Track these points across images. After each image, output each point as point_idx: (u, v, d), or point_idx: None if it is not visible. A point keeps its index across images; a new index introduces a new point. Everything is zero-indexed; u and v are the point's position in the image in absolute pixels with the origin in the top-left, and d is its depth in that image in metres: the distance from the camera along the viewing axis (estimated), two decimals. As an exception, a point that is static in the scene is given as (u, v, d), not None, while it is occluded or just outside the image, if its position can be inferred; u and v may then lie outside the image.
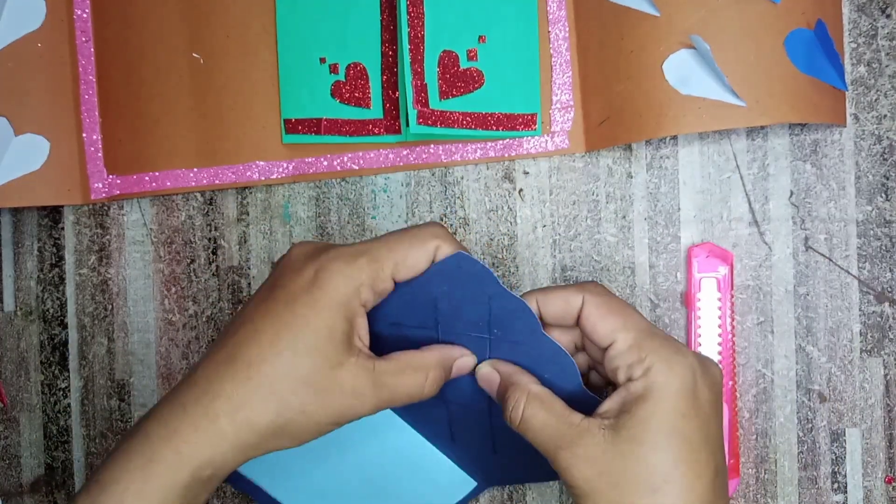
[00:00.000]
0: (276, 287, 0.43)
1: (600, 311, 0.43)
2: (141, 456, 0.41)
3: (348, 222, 0.57)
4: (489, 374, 0.46)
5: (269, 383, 0.41)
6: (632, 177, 0.55)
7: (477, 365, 0.46)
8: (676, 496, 0.39)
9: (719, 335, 0.53)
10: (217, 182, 0.57)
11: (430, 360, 0.44)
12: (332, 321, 0.41)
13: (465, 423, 0.51)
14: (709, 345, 0.53)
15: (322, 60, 0.56)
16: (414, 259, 0.43)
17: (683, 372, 0.40)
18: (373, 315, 0.45)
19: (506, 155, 0.55)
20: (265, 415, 0.41)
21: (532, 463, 0.47)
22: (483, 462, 0.53)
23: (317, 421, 0.41)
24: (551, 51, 0.54)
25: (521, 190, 0.56)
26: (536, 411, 0.42)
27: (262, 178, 0.57)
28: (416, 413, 0.52)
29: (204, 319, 0.58)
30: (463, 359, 0.46)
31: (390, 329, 0.46)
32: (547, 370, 0.45)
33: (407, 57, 0.53)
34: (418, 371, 0.44)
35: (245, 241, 0.58)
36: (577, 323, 0.44)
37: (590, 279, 0.55)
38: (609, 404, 0.42)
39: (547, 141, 0.55)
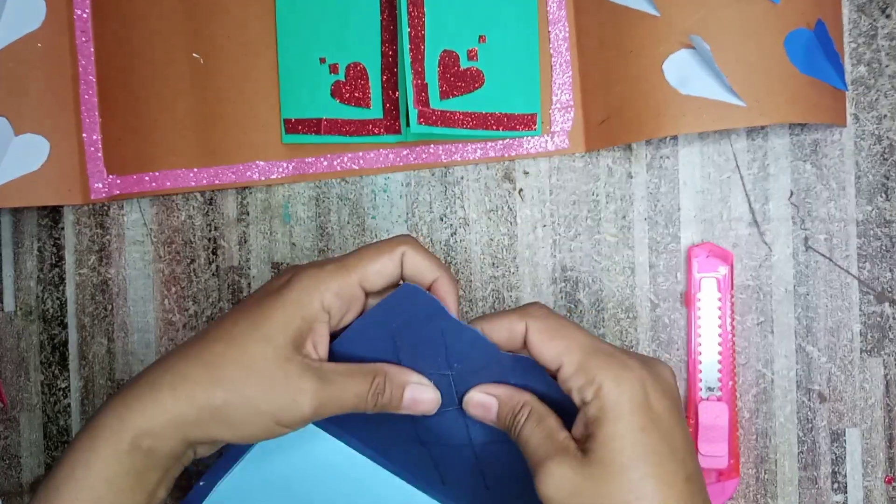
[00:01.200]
0: (257, 290, 0.45)
1: (543, 337, 0.42)
2: (92, 425, 0.42)
3: (348, 222, 0.57)
4: (484, 399, 0.45)
5: (216, 363, 0.42)
6: (632, 177, 0.55)
7: (448, 400, 0.46)
8: None
9: (719, 335, 0.53)
10: (217, 182, 0.57)
11: (380, 368, 0.45)
12: (291, 318, 0.42)
13: (451, 463, 0.49)
14: (708, 344, 0.53)
15: (322, 60, 0.56)
16: (381, 265, 0.44)
17: (632, 387, 0.40)
18: (336, 351, 0.45)
19: (506, 155, 0.55)
20: (205, 391, 0.41)
21: (527, 491, 0.46)
22: (479, 499, 0.52)
23: (257, 410, 0.42)
24: (551, 51, 0.54)
25: (521, 190, 0.56)
26: (532, 427, 0.43)
27: (262, 178, 0.57)
28: (402, 462, 0.50)
29: (204, 319, 0.58)
30: (420, 388, 0.45)
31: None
32: (519, 383, 0.45)
33: (407, 57, 0.53)
34: (366, 375, 0.44)
35: (245, 241, 0.58)
36: (525, 346, 0.44)
37: (588, 278, 0.55)
38: (576, 427, 0.42)
39: (547, 141, 0.55)
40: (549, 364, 0.42)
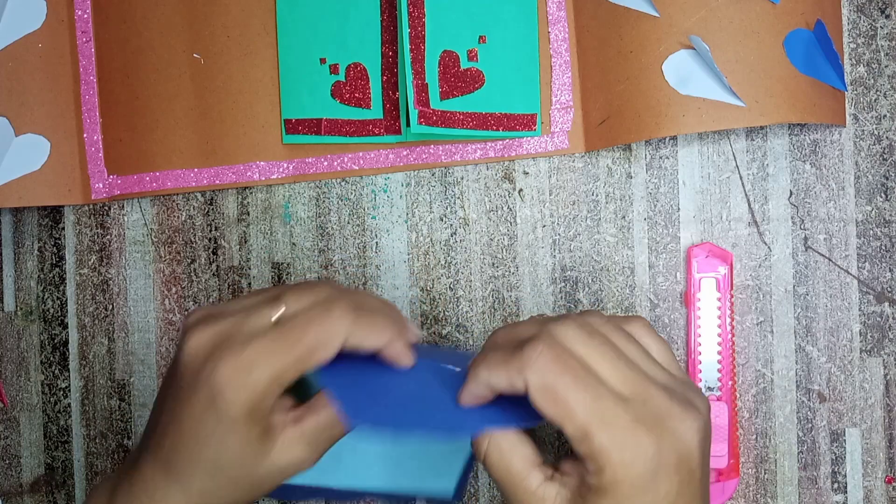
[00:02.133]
0: (182, 398, 0.40)
1: (543, 398, 0.38)
2: None
3: (348, 222, 0.57)
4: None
5: (199, 489, 0.41)
6: (631, 177, 0.55)
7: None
8: None
9: (719, 335, 0.53)
10: (217, 182, 0.57)
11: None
12: (244, 433, 0.39)
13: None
14: (708, 344, 0.53)
15: (322, 61, 0.56)
16: (327, 337, 0.39)
17: (642, 462, 0.37)
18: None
19: (506, 155, 0.55)
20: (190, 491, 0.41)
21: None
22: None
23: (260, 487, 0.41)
24: (551, 51, 0.54)
25: (520, 190, 0.56)
26: (497, 458, 0.40)
27: (263, 178, 0.57)
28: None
29: (204, 319, 0.58)
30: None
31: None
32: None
33: (408, 57, 0.53)
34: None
35: (245, 241, 0.58)
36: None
37: (588, 278, 0.55)
38: (567, 485, 0.39)
39: (547, 141, 0.55)
40: (551, 422, 0.39)
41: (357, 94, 0.55)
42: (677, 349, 0.54)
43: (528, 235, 0.56)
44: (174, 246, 0.59)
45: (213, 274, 0.58)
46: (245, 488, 0.41)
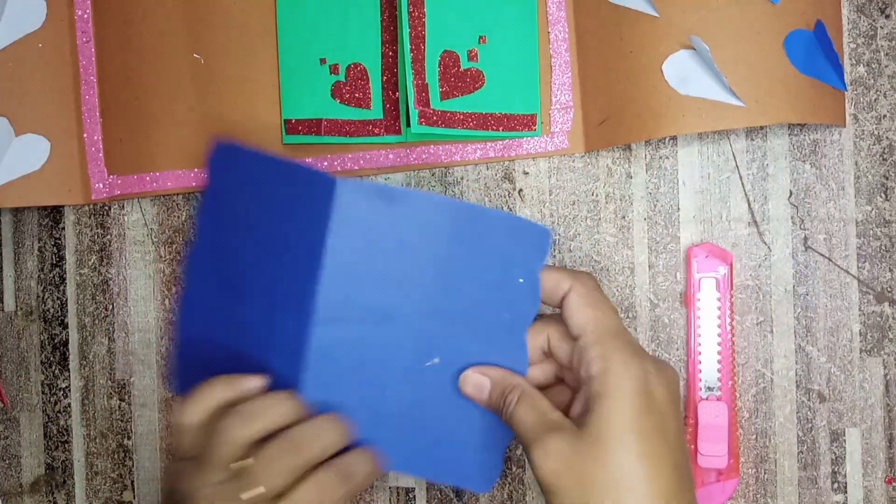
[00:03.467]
0: None
1: (581, 302, 0.44)
2: None
3: (348, 222, 0.57)
4: (479, 379, 0.47)
5: None
6: (631, 177, 0.55)
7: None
8: (640, 493, 0.40)
9: (718, 335, 0.53)
10: (217, 182, 0.57)
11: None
12: None
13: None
14: (708, 344, 0.53)
15: (322, 61, 0.56)
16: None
17: (637, 373, 0.42)
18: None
19: (505, 155, 0.55)
20: None
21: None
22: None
23: None
24: (551, 51, 0.54)
25: (520, 190, 0.56)
26: (525, 408, 0.44)
27: (263, 179, 0.57)
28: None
29: (204, 319, 0.58)
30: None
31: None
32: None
33: (408, 57, 0.53)
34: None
35: (245, 241, 0.58)
36: (560, 305, 0.46)
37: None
38: (576, 404, 0.44)
39: (546, 141, 0.55)
40: (573, 328, 0.45)
41: (357, 94, 0.56)
42: (677, 349, 0.54)
43: (528, 235, 0.56)
44: (174, 246, 0.59)
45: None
46: None
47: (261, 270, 0.47)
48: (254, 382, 0.46)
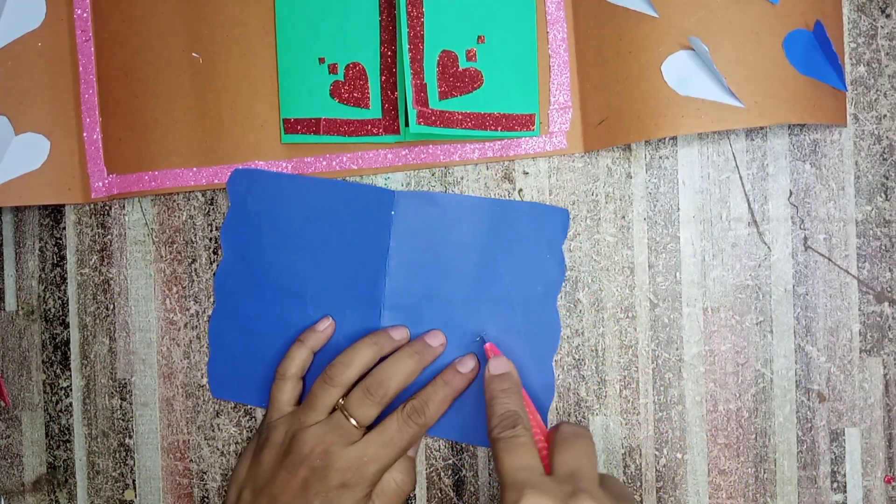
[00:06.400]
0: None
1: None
2: None
3: (348, 222, 0.57)
4: (504, 363, 0.52)
5: None
6: (631, 177, 0.55)
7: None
8: None
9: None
10: (216, 181, 0.57)
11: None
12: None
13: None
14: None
15: (321, 60, 0.56)
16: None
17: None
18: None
19: (504, 155, 0.55)
20: None
21: None
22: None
23: None
24: (550, 51, 0.54)
25: (520, 190, 0.56)
26: (518, 450, 0.47)
27: (262, 178, 0.57)
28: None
29: (205, 319, 0.58)
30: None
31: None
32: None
33: (407, 57, 0.53)
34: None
35: (245, 241, 0.58)
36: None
37: (587, 278, 0.55)
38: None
39: (545, 141, 0.55)
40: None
41: (356, 94, 0.55)
42: (677, 349, 0.54)
43: (527, 235, 0.56)
44: (175, 245, 0.59)
45: (214, 273, 0.58)
46: None
47: (321, 274, 0.56)
48: (323, 325, 0.55)
